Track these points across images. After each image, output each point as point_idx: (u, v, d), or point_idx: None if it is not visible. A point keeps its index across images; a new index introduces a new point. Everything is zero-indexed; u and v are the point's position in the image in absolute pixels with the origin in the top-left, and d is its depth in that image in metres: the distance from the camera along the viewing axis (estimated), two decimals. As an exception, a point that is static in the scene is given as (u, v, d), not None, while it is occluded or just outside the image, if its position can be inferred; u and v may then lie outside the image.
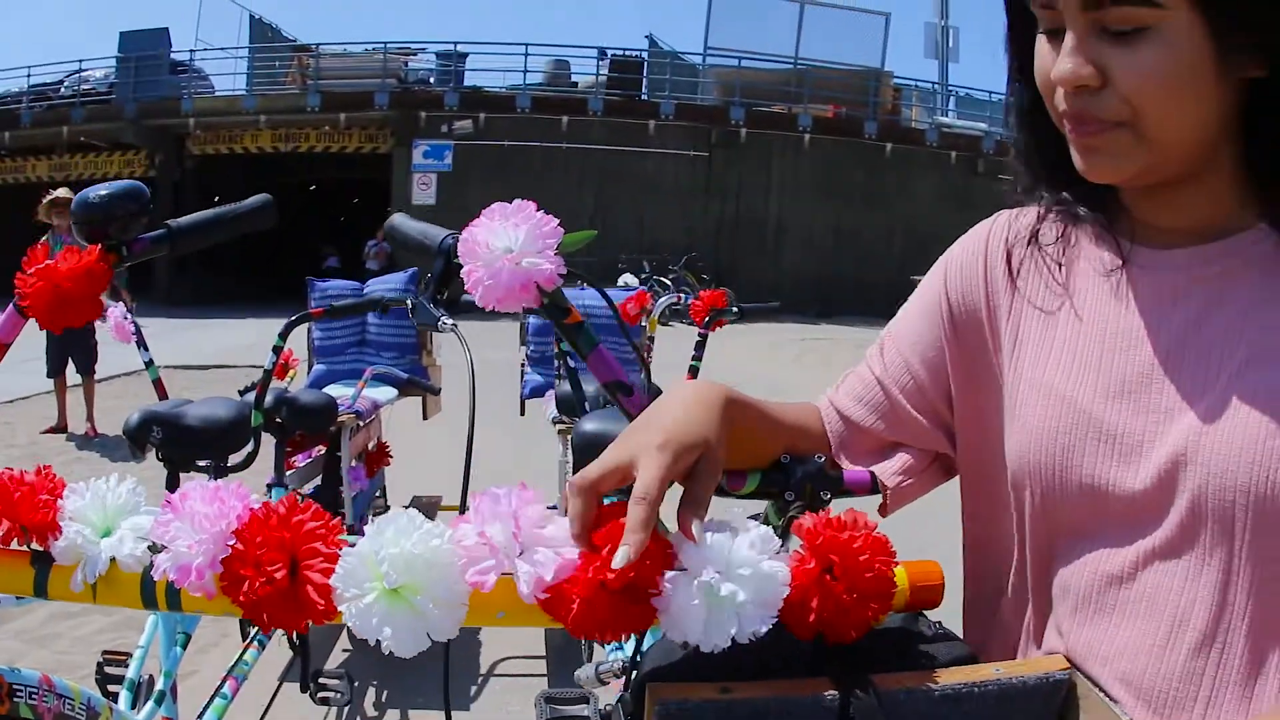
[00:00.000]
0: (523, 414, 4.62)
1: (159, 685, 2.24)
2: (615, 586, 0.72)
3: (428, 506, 4.62)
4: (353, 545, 0.75)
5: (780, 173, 23.01)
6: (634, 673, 0.86)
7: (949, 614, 0.94)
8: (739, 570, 0.75)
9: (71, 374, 8.02)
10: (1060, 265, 0.99)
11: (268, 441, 2.92)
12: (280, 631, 1.86)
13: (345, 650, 3.83)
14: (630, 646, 1.16)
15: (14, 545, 0.87)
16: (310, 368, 4.50)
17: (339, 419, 3.58)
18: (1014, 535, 1.00)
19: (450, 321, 0.99)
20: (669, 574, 0.75)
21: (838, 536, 0.78)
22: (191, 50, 25.04)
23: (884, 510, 1.03)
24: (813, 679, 0.80)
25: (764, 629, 0.75)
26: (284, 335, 2.44)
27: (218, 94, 24.92)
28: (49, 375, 8.04)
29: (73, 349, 7.72)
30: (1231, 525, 0.82)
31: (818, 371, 11.93)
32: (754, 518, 1.04)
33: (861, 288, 21.25)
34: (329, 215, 31.16)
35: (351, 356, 4.41)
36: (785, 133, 22.96)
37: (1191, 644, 0.84)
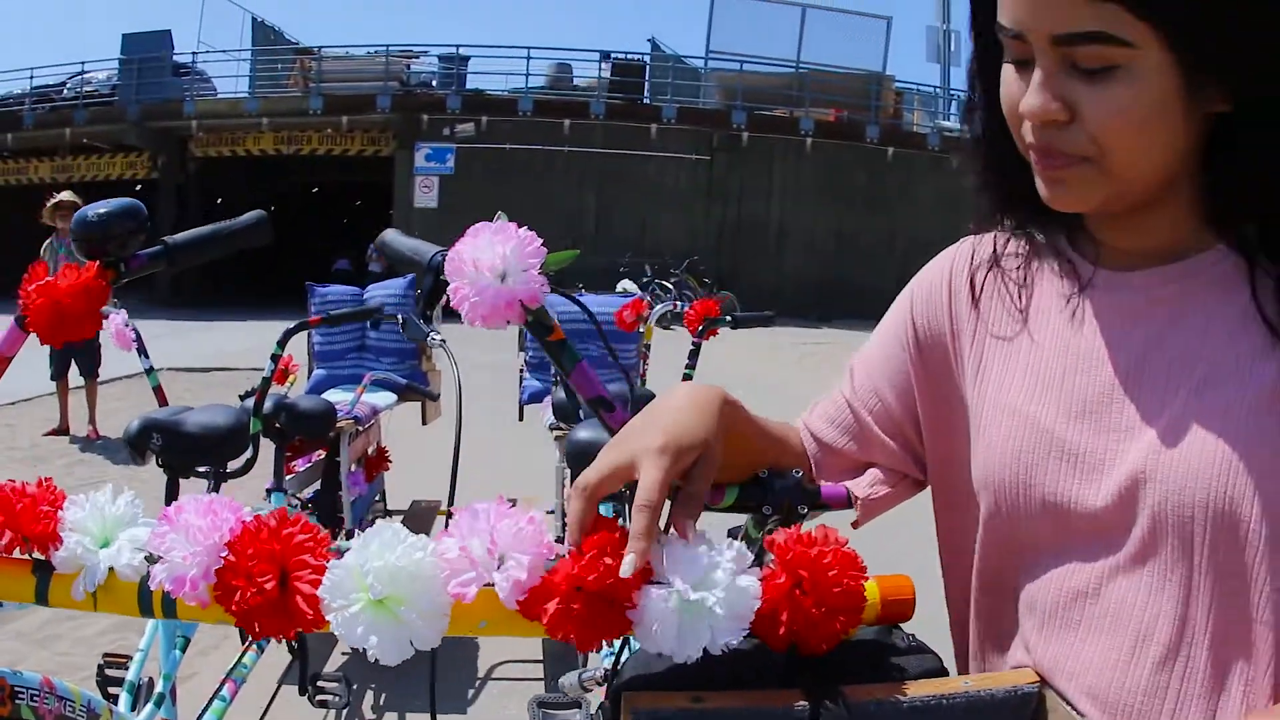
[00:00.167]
0: (521, 419, 4.64)
1: (158, 688, 2.28)
2: (591, 589, 0.75)
3: (427, 510, 4.65)
4: (341, 557, 0.78)
5: (782, 176, 23.04)
6: (614, 680, 0.89)
7: (927, 625, 0.97)
8: (711, 583, 0.77)
9: (74, 376, 8.05)
10: (1022, 289, 1.01)
11: (267, 447, 2.95)
12: (278, 636, 1.89)
13: (344, 654, 3.86)
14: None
15: (16, 554, 0.90)
16: (310, 372, 4.54)
17: (338, 424, 3.62)
18: (981, 552, 1.02)
19: (439, 337, 1.02)
20: (643, 586, 0.77)
21: (807, 552, 0.81)
22: (194, 52, 25.07)
23: (856, 523, 1.05)
24: (785, 690, 0.82)
25: (736, 641, 0.78)
26: (282, 344, 2.47)
27: (220, 96, 24.97)
28: (52, 378, 8.07)
29: (76, 352, 7.74)
30: (1191, 541, 0.84)
31: (819, 375, 11.94)
32: (734, 530, 1.07)
33: (863, 291, 21.23)
34: (331, 218, 31.18)
35: (351, 362, 4.44)
36: (787, 136, 22.99)
37: (1155, 658, 0.86)
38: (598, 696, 1.91)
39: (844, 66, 24.28)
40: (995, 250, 1.04)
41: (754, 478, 0.99)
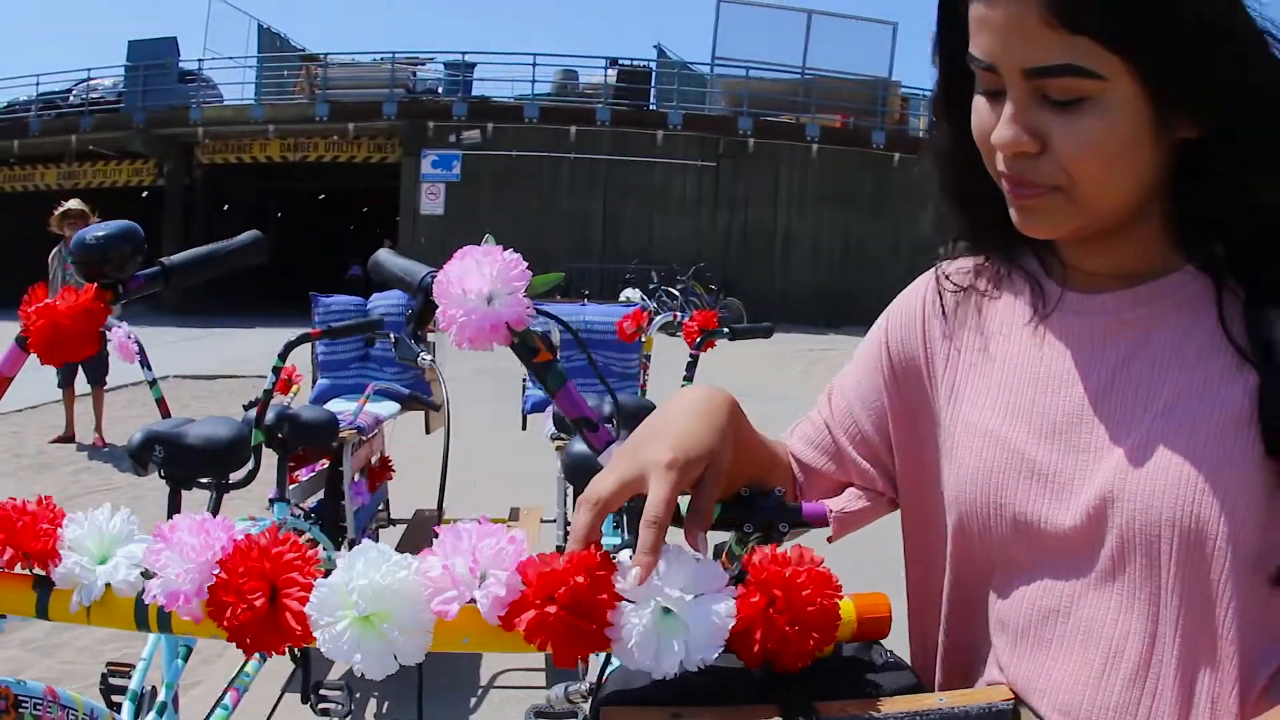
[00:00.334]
0: (524, 428, 4.67)
1: (161, 696, 2.29)
2: (564, 601, 0.77)
3: (430, 519, 4.67)
4: (328, 575, 0.80)
5: (788, 182, 23.02)
6: (597, 694, 0.91)
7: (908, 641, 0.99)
8: (686, 601, 0.79)
9: (81, 384, 8.08)
10: (994, 312, 1.03)
11: (270, 457, 2.98)
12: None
13: (347, 662, 3.88)
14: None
15: (18, 570, 0.93)
16: (315, 382, 4.56)
17: (341, 435, 3.64)
18: (953, 571, 1.04)
19: (429, 357, 1.04)
20: (621, 603, 0.80)
21: (781, 572, 0.83)
22: (200, 59, 25.06)
23: (832, 538, 1.07)
24: (761, 705, 0.85)
25: (711, 657, 0.80)
26: (283, 355, 2.50)
27: (226, 103, 24.98)
28: (59, 385, 8.10)
29: (84, 360, 7.77)
30: (1158, 560, 0.86)
31: (825, 383, 11.89)
32: (720, 547, 1.09)
33: (869, 297, 21.14)
34: (338, 225, 31.25)
35: (355, 371, 4.46)
36: (793, 142, 22.97)
37: (1126, 675, 0.88)
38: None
39: (850, 72, 24.28)
40: (967, 275, 1.06)
41: (736, 496, 1.02)
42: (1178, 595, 0.85)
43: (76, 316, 1.19)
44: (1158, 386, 0.90)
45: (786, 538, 1.01)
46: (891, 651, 0.96)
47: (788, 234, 23.01)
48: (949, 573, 1.04)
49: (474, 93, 23.84)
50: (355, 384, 4.37)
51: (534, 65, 24.04)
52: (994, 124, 0.88)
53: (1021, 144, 0.86)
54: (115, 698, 2.39)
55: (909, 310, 1.10)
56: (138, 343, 3.14)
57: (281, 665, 3.50)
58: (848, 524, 1.08)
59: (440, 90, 24.45)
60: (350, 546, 3.30)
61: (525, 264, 0.97)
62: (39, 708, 1.54)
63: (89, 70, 25.28)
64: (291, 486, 3.42)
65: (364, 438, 3.97)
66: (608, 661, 1.07)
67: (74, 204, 7.78)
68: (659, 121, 22.92)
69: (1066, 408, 0.94)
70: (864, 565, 1.62)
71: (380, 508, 4.62)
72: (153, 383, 3.17)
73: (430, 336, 4.51)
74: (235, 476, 2.56)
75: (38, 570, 0.92)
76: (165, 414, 3.08)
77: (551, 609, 0.76)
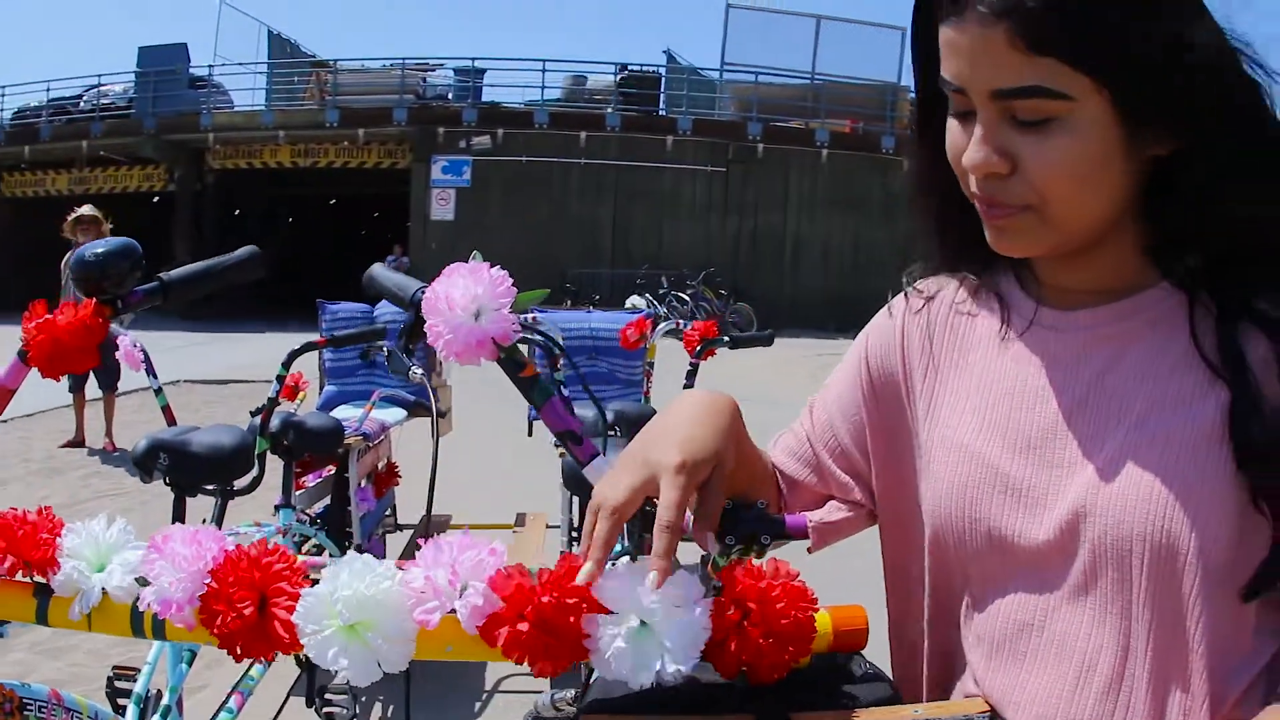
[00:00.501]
0: (530, 435, 4.69)
1: (164, 700, 2.32)
2: (533, 619, 0.79)
3: (437, 524, 4.69)
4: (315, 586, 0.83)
5: (797, 187, 23.01)
6: (580, 701, 0.93)
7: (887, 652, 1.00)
8: (662, 612, 0.81)
9: (92, 388, 8.11)
10: (971, 329, 1.04)
11: (275, 463, 3.01)
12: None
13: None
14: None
15: (19, 577, 0.96)
16: (322, 388, 4.59)
17: (346, 441, 3.66)
18: (931, 584, 1.05)
19: (420, 371, 1.07)
20: (599, 615, 0.82)
21: (756, 585, 0.85)
22: (210, 65, 25.11)
23: (811, 549, 1.09)
24: (737, 715, 0.87)
25: (688, 668, 0.82)
26: (287, 364, 2.53)
27: (236, 109, 25.07)
28: (70, 390, 8.12)
29: (95, 367, 7.76)
30: (1130, 574, 0.87)
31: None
32: (705, 558, 1.11)
33: (879, 302, 20.91)
34: (349, 230, 31.30)
35: (362, 378, 4.49)
36: (803, 148, 22.96)
37: (1099, 688, 0.89)
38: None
39: (859, 77, 24.25)
40: (945, 292, 1.08)
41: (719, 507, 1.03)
42: (1149, 609, 0.87)
43: (76, 332, 1.23)
44: (1131, 399, 0.91)
45: (769, 549, 1.03)
46: (872, 663, 0.98)
47: (797, 239, 22.99)
48: (928, 585, 1.05)
49: (484, 98, 23.86)
50: (362, 390, 4.39)
51: (544, 71, 24.07)
52: (966, 145, 0.89)
53: (992, 165, 0.87)
54: (120, 701, 2.42)
55: (888, 326, 1.11)
56: (143, 351, 3.17)
57: (287, 669, 3.52)
58: (827, 535, 1.09)
59: (450, 96, 24.50)
60: (357, 552, 3.31)
61: (512, 280, 0.99)
62: (43, 710, 1.57)
63: (100, 76, 25.36)
64: (298, 492, 3.45)
65: (370, 444, 3.99)
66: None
67: (87, 210, 7.80)
68: (668, 127, 22.93)
69: (1041, 423, 0.95)
70: (845, 576, 1.64)
71: (387, 513, 4.65)
72: (158, 390, 3.20)
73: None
74: (240, 483, 2.59)
75: (38, 578, 0.96)
76: (171, 421, 3.11)
77: (524, 626, 0.78)
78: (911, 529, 1.06)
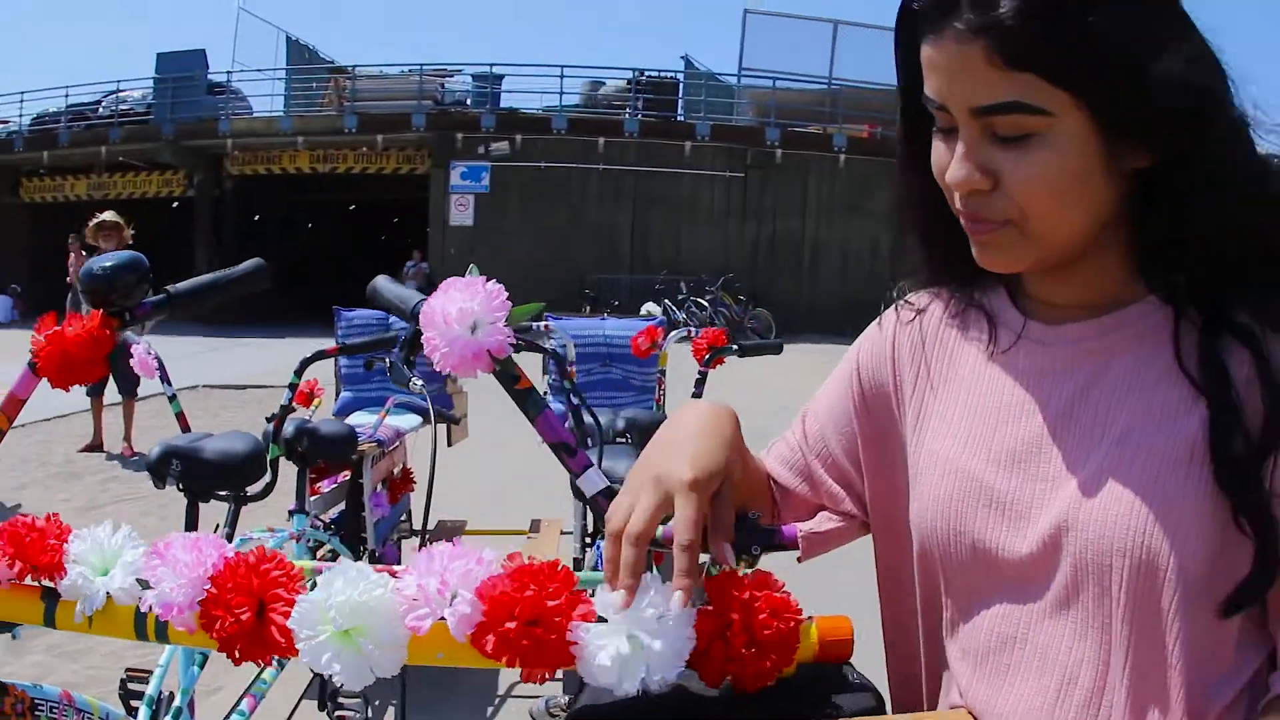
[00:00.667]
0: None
1: (176, 702, 2.35)
2: (526, 616, 0.81)
3: (452, 530, 4.72)
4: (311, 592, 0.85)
5: (816, 193, 22.97)
6: (571, 709, 0.95)
7: (878, 660, 1.01)
8: (648, 621, 0.83)
9: (111, 393, 8.16)
10: (960, 344, 1.05)
11: (289, 469, 3.04)
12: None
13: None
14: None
15: (28, 581, 0.99)
16: (338, 395, 4.63)
17: (360, 447, 3.70)
18: (921, 594, 1.06)
19: (420, 382, 1.09)
20: (585, 623, 0.84)
21: (739, 595, 0.86)
22: (229, 71, 25.18)
23: (801, 558, 1.10)
24: None
25: (673, 676, 0.83)
26: (299, 371, 2.56)
27: (255, 115, 25.15)
28: (88, 394, 8.16)
29: (115, 372, 7.82)
30: (1110, 588, 0.88)
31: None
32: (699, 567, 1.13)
33: (896, 308, 21.06)
34: (368, 236, 31.42)
35: (377, 384, 4.51)
36: (821, 153, 22.92)
37: (1080, 701, 0.90)
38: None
39: (877, 82, 24.08)
40: (935, 306, 1.09)
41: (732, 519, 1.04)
42: (1128, 624, 0.87)
43: (84, 343, 1.26)
44: (1115, 412, 0.91)
45: (759, 559, 1.04)
46: (860, 674, 0.99)
47: (815, 244, 22.95)
48: (918, 596, 1.06)
49: (502, 104, 23.93)
50: (377, 397, 4.41)
51: (561, 77, 24.14)
52: (949, 161, 0.90)
53: (973, 182, 0.88)
54: (133, 703, 2.45)
55: (880, 339, 1.12)
56: (157, 358, 3.21)
57: (300, 672, 3.55)
58: (816, 544, 1.10)
59: (469, 102, 24.56)
60: (371, 558, 3.35)
61: (507, 294, 1.02)
62: (55, 711, 1.60)
63: (118, 82, 25.47)
64: (312, 498, 3.49)
65: (384, 450, 4.02)
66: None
67: (108, 216, 7.83)
68: (687, 133, 22.93)
69: (1026, 436, 0.96)
70: (835, 588, 1.65)
71: (403, 518, 4.68)
72: (172, 397, 3.24)
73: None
74: (252, 489, 2.62)
75: (46, 582, 0.99)
76: (185, 428, 3.15)
77: (511, 625, 0.80)
78: (904, 537, 1.07)
